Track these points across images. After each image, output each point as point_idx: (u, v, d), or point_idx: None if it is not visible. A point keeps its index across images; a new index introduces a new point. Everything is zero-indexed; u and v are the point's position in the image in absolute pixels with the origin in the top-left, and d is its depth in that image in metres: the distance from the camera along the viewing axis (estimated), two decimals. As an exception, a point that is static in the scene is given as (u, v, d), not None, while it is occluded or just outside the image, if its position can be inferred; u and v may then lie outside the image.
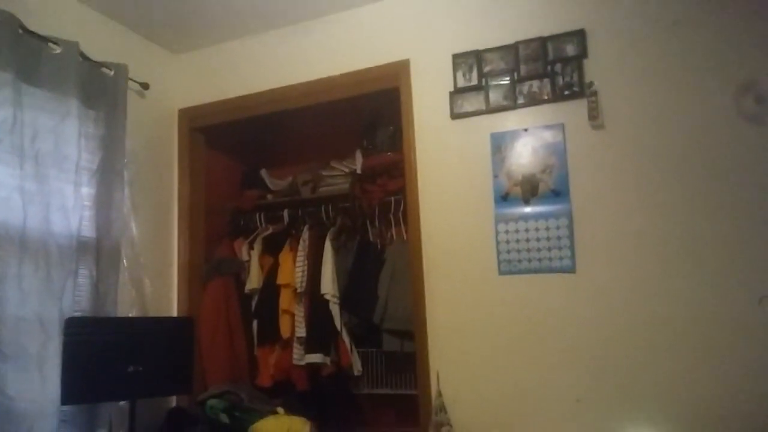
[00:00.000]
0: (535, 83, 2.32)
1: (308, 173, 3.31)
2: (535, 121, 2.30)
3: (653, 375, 2.03)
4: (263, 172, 3.46)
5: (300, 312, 2.97)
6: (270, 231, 3.29)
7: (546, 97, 2.29)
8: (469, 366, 2.29)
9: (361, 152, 3.15)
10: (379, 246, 3.11)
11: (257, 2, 2.66)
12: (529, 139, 2.30)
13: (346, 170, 3.19)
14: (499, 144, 2.35)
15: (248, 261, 3.20)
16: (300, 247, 3.05)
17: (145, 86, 2.82)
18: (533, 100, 2.31)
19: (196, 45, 3.04)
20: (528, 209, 2.27)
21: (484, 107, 2.39)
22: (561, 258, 2.20)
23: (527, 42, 2.34)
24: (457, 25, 2.49)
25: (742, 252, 1.97)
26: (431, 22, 2.54)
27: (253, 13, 2.75)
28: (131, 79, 2.68)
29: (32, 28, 2.23)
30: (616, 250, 2.13)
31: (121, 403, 2.38)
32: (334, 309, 2.91)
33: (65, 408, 2.17)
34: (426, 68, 2.52)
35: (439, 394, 2.28)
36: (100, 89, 2.51)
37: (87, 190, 2.41)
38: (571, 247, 2.19)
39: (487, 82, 2.40)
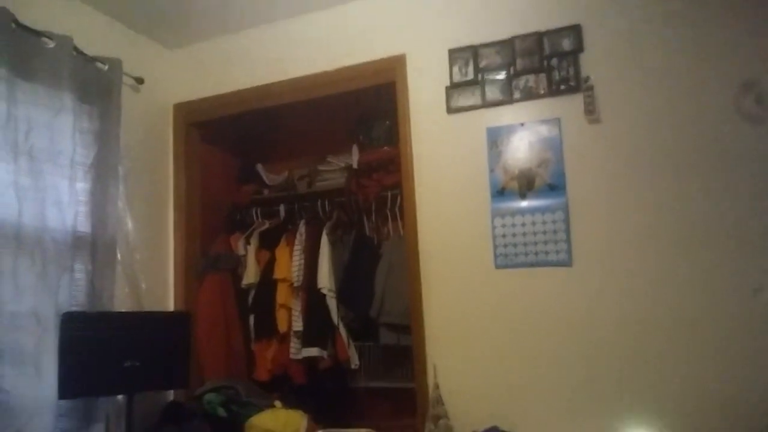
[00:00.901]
0: (532, 78, 2.31)
1: (304, 168, 3.31)
2: (532, 115, 2.30)
3: (648, 366, 2.05)
4: (259, 167, 3.45)
5: (297, 306, 2.98)
6: (266, 226, 3.29)
7: (542, 92, 2.29)
8: (466, 359, 2.30)
9: (358, 147, 3.15)
10: (375, 240, 3.12)
11: (252, -4, 2.65)
12: (526, 133, 2.30)
13: (343, 165, 3.19)
14: (496, 138, 2.35)
15: (245, 256, 3.20)
16: (296, 242, 3.05)
17: (139, 81, 2.80)
18: (529, 95, 2.31)
19: (191, 39, 3.03)
20: (524, 203, 2.28)
21: (480, 102, 2.39)
22: (557, 252, 2.21)
23: (523, 37, 2.34)
24: (453, 19, 2.49)
25: (737, 245, 1.99)
26: (427, 17, 2.54)
27: (248, 7, 2.73)
28: (126, 74, 2.67)
29: (26, 22, 2.21)
30: (613, 244, 2.14)
31: (118, 397, 2.38)
32: (331, 303, 2.93)
33: (62, 402, 2.17)
34: (422, 63, 2.52)
35: (436, 386, 2.30)
36: (94, 84, 2.49)
37: (82, 185, 2.40)
38: (568, 241, 2.20)
39: (483, 76, 2.40)
